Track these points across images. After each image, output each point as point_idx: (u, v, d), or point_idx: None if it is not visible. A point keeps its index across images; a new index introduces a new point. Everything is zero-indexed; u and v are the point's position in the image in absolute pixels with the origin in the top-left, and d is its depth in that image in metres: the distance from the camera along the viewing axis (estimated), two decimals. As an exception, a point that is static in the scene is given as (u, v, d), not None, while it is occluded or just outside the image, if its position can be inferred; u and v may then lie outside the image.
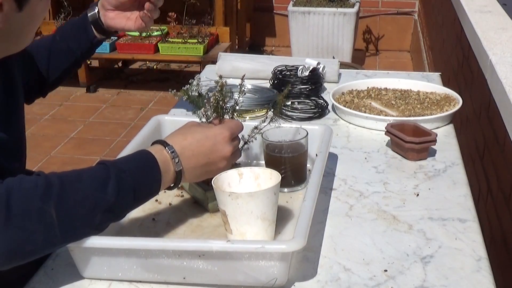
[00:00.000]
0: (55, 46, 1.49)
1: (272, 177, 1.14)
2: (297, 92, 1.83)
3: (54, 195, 0.98)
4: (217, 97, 1.21)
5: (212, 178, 1.14)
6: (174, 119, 1.47)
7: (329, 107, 1.79)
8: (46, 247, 1.00)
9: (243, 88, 1.29)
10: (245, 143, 1.31)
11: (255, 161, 1.42)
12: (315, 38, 4.73)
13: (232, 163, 1.21)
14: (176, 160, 1.11)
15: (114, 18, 1.46)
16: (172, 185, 1.14)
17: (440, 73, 2.12)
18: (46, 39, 1.51)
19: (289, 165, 1.32)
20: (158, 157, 1.10)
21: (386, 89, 1.90)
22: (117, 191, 1.02)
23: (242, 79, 1.30)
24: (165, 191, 1.33)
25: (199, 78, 1.28)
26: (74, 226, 1.00)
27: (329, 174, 1.40)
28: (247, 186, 1.16)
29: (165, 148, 1.12)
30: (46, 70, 1.49)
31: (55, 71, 1.50)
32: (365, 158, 1.50)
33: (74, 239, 1.01)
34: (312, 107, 1.77)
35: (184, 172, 1.12)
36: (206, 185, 1.24)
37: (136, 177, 1.06)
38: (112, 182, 1.02)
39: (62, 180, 1.00)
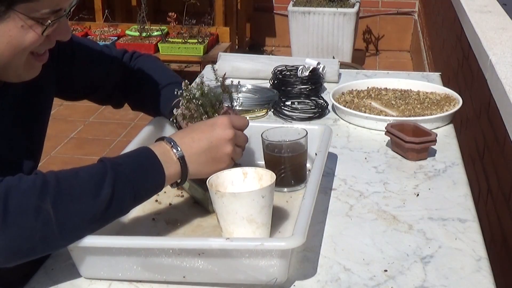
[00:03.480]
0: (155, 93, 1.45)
1: (271, 179, 1.14)
2: (297, 92, 1.83)
3: (51, 192, 0.98)
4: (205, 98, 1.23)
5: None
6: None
7: (329, 107, 1.79)
8: (45, 245, 1.00)
9: (242, 89, 1.30)
10: None
11: (255, 161, 1.42)
12: (315, 38, 4.73)
13: (238, 157, 1.20)
14: (176, 148, 1.11)
15: None
16: (179, 180, 1.13)
17: (440, 73, 2.12)
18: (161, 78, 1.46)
19: (289, 165, 1.32)
20: (156, 149, 1.10)
21: (386, 89, 1.90)
22: (113, 183, 1.02)
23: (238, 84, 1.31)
24: (165, 192, 1.33)
25: (203, 77, 1.28)
26: (72, 222, 0.99)
27: (329, 174, 1.40)
28: (250, 186, 1.16)
29: (163, 140, 1.13)
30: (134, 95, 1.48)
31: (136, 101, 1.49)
32: (365, 158, 1.50)
33: (74, 236, 1.01)
34: (312, 107, 1.77)
35: (188, 159, 1.11)
36: (206, 185, 1.24)
37: (133, 168, 1.06)
38: (109, 176, 1.02)
39: (58, 177, 1.01)
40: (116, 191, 1.02)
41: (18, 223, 0.96)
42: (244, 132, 1.23)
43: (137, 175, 1.06)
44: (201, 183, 1.26)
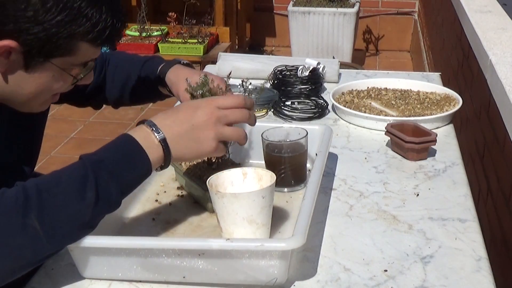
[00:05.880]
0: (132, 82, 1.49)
1: (271, 180, 1.13)
2: (297, 92, 1.83)
3: (34, 206, 0.96)
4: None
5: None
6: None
7: (329, 107, 1.79)
8: (38, 258, 0.99)
9: (249, 87, 1.29)
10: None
11: (255, 161, 1.42)
12: (315, 38, 4.73)
13: (230, 136, 1.12)
14: (158, 131, 1.07)
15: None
16: (163, 164, 1.09)
17: (440, 73, 2.12)
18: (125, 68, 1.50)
19: (289, 165, 1.32)
20: (137, 135, 1.07)
21: (386, 89, 1.90)
22: (95, 185, 0.99)
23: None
24: (165, 192, 1.33)
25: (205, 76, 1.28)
26: (62, 231, 0.98)
27: (329, 174, 1.40)
28: (250, 187, 1.16)
29: (144, 124, 1.09)
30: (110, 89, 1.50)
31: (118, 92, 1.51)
32: (365, 158, 1.50)
33: (66, 243, 1.00)
34: (312, 107, 1.77)
35: (169, 142, 1.07)
36: (206, 185, 1.24)
37: (116, 161, 1.04)
38: (90, 177, 1.00)
39: (39, 188, 0.98)
40: (100, 191, 1.00)
41: (6, 244, 0.95)
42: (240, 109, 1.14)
43: (121, 168, 1.04)
44: (201, 183, 1.26)
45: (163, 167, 1.10)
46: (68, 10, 1.00)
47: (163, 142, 1.07)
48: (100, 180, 1.00)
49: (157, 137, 1.07)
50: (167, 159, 1.08)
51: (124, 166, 1.04)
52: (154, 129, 1.07)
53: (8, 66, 1.04)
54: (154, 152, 1.06)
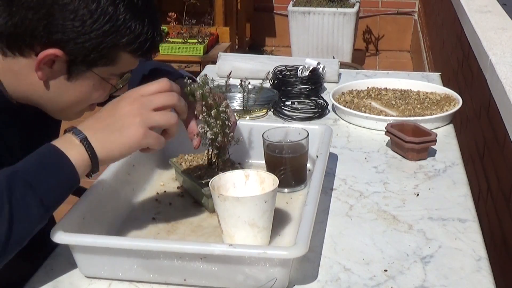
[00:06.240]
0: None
1: (274, 184, 1.13)
2: (297, 92, 1.83)
3: None
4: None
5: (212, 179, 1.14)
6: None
7: (329, 107, 1.79)
8: None
9: (248, 87, 1.29)
10: None
11: (255, 161, 1.42)
12: (315, 38, 4.73)
13: (160, 121, 1.05)
14: (77, 132, 1.01)
15: None
16: (91, 167, 1.02)
17: (440, 73, 2.12)
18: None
19: (290, 165, 1.32)
20: (56, 141, 1.02)
21: (386, 89, 1.90)
22: (9, 196, 0.93)
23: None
24: (165, 191, 1.33)
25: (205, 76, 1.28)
26: None
27: (329, 174, 1.40)
28: (251, 189, 1.16)
29: (66, 130, 1.04)
30: None
31: None
32: (365, 158, 1.50)
33: None
34: (312, 107, 1.77)
35: (91, 139, 1.01)
36: (206, 185, 1.24)
37: (31, 169, 0.97)
38: (4, 189, 0.93)
39: None
40: (15, 203, 0.93)
41: None
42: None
43: (37, 175, 0.97)
44: (201, 183, 1.26)
45: (93, 170, 1.03)
46: (114, 21, 1.03)
47: (84, 141, 1.01)
48: (15, 192, 0.93)
49: (78, 137, 1.01)
50: (94, 160, 1.01)
51: (41, 173, 0.97)
52: (73, 131, 1.02)
53: (51, 74, 1.06)
54: (76, 154, 1.00)
